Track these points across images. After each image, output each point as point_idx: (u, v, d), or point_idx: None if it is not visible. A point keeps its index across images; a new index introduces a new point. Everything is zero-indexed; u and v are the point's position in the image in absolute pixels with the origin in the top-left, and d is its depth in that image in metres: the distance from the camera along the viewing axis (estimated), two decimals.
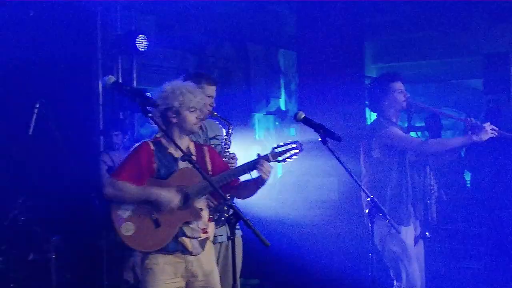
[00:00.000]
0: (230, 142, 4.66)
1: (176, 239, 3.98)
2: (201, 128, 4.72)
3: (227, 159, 4.55)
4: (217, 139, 4.75)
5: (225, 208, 4.51)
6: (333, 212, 7.17)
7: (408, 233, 5.02)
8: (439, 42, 10.29)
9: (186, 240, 4.00)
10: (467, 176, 8.93)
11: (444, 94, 12.24)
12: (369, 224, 3.79)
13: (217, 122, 4.91)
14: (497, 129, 4.82)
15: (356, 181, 3.82)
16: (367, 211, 4.31)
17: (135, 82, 7.70)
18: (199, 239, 4.05)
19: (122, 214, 3.98)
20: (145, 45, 7.35)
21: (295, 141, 4.10)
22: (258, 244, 3.53)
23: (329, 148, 3.81)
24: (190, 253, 4.02)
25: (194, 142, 4.05)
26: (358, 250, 7.04)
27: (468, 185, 8.81)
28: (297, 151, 4.08)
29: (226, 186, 4.09)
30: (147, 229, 3.96)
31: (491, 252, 6.33)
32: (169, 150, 4.05)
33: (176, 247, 3.99)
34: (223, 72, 9.29)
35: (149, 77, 8.10)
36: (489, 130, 4.78)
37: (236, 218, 3.39)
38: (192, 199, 3.99)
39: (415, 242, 5.05)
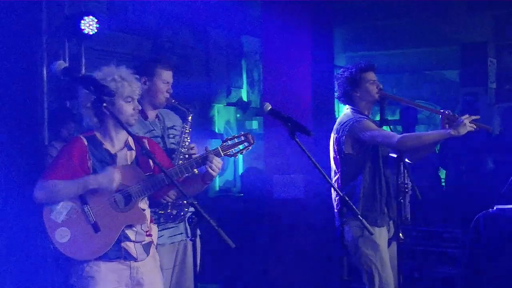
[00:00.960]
0: (189, 131, 4.68)
1: (119, 244, 3.93)
2: (157, 117, 4.75)
3: (186, 149, 4.58)
4: (175, 129, 4.77)
5: (185, 202, 4.53)
6: (299, 211, 7.20)
7: (382, 234, 5.07)
8: (413, 31, 10.41)
9: (130, 245, 3.97)
10: (442, 174, 9.08)
11: (418, 85, 12.41)
12: (341, 225, 3.81)
13: (173, 112, 4.94)
14: (476, 121, 4.86)
15: (326, 178, 3.84)
16: (337, 210, 4.36)
17: (83, 69, 7.63)
18: (143, 243, 4.03)
19: (55, 218, 3.88)
20: (94, 28, 7.26)
21: (245, 133, 4.15)
22: (218, 245, 3.56)
23: (298, 143, 3.83)
24: (135, 259, 3.98)
25: (133, 135, 3.95)
26: (328, 253, 7.10)
27: (443, 184, 8.96)
28: (247, 144, 4.12)
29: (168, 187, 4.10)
30: (84, 234, 3.87)
31: (468, 256, 6.42)
32: (105, 146, 4.00)
33: (119, 254, 3.94)
34: (181, 59, 9.26)
35: (99, 63, 8.02)
36: (467, 124, 4.82)
37: (198, 217, 3.41)
38: (135, 199, 3.94)
39: (388, 244, 5.12)
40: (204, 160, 4.05)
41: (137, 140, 3.90)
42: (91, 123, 3.97)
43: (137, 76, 4.12)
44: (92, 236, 3.88)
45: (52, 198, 3.88)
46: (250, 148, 4.14)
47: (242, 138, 4.11)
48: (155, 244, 4.17)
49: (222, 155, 4.08)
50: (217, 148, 4.08)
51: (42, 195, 3.88)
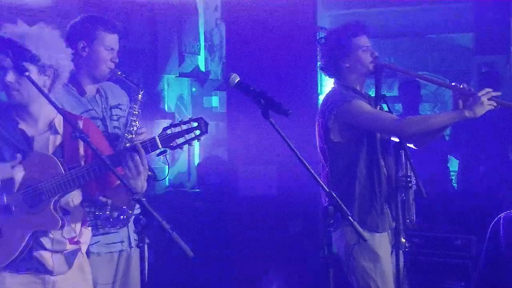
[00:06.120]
0: (138, 112, 4.69)
1: (30, 253, 3.95)
2: (98, 93, 4.77)
3: (133, 135, 4.60)
4: (120, 109, 4.83)
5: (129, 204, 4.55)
6: (271, 212, 7.25)
7: (383, 242, 5.16)
8: None
9: (45, 255, 3.99)
10: (453, 165, 9.18)
11: (422, 53, 12.47)
12: (328, 229, 3.85)
13: (118, 85, 4.95)
14: (497, 98, 4.94)
15: (307, 168, 3.87)
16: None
17: None
18: (65, 252, 4.05)
19: None
20: None
21: (196, 118, 3.87)
22: (171, 254, 3.59)
23: (273, 125, 3.87)
24: (51, 272, 4.01)
25: (64, 112, 3.91)
26: (308, 265, 7.16)
27: (453, 178, 9.07)
28: (198, 132, 3.84)
29: (103, 183, 4.07)
30: None
31: (482, 268, 6.53)
32: (20, 126, 3.99)
33: (30, 264, 3.96)
34: (119, 16, 9.22)
35: (12, 20, 7.97)
36: (485, 102, 4.90)
37: (146, 218, 3.42)
38: (47, 199, 3.90)
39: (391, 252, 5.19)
40: (118, 157, 3.87)
41: (67, 119, 3.84)
42: (8, 84, 3.90)
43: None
44: None
45: None
46: (202, 138, 3.89)
47: (193, 124, 3.84)
48: (83, 253, 4.18)
49: (160, 146, 3.85)
50: (154, 137, 3.85)
51: None
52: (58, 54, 3.97)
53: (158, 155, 4.25)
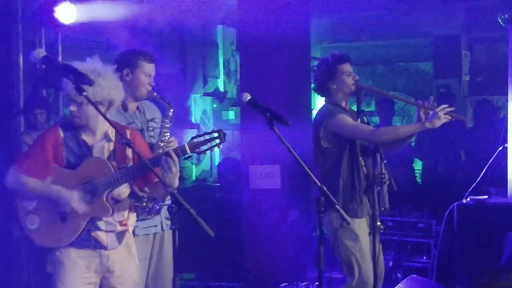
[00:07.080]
0: (169, 125, 4.68)
1: (89, 233, 3.98)
2: (138, 109, 4.75)
3: (165, 143, 4.58)
4: (155, 122, 4.79)
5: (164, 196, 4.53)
6: (276, 201, 7.23)
7: (362, 225, 5.13)
8: (387, 23, 10.43)
9: (100, 234, 4.01)
10: (417, 165, 9.17)
11: (393, 77, 12.46)
12: (319, 215, 3.86)
13: (152, 103, 4.94)
14: (451, 112, 4.92)
15: (303, 167, 3.87)
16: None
17: (60, 58, 7.57)
18: (116, 232, 4.06)
19: (27, 205, 3.98)
20: (71, 17, 7.19)
21: (217, 130, 3.98)
22: (194, 235, 3.58)
23: (276, 133, 3.87)
24: (105, 248, 4.03)
25: (114, 124, 3.90)
26: (305, 243, 7.15)
27: (417, 175, 9.05)
28: (218, 141, 3.94)
29: (144, 179, 4.08)
30: (53, 223, 3.95)
31: (441, 246, 6.52)
32: (82, 136, 4.01)
33: (89, 242, 3.99)
34: (157, 48, 9.21)
35: (75, 52, 7.97)
36: (442, 116, 4.88)
37: (177, 207, 3.43)
38: (100, 192, 3.93)
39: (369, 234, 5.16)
40: (158, 160, 3.93)
41: (117, 129, 3.87)
42: (71, 112, 3.94)
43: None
44: (59, 225, 3.95)
45: (19, 191, 3.99)
46: (221, 146, 3.98)
47: (214, 135, 3.93)
48: (130, 233, 4.19)
49: (189, 152, 3.93)
50: (184, 145, 3.95)
51: (12, 184, 4.00)
52: (111, 89, 3.97)
53: (185, 158, 4.26)
